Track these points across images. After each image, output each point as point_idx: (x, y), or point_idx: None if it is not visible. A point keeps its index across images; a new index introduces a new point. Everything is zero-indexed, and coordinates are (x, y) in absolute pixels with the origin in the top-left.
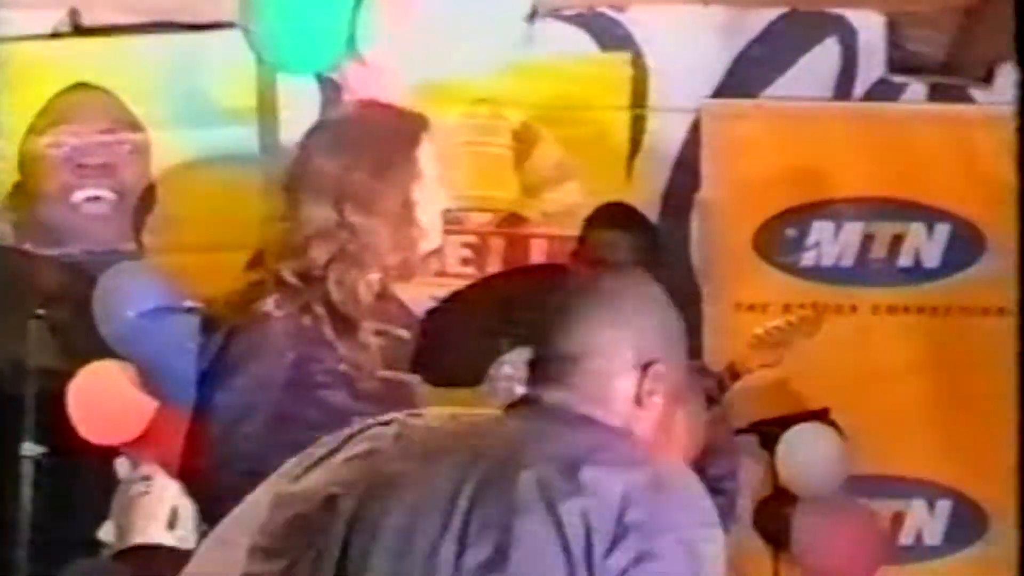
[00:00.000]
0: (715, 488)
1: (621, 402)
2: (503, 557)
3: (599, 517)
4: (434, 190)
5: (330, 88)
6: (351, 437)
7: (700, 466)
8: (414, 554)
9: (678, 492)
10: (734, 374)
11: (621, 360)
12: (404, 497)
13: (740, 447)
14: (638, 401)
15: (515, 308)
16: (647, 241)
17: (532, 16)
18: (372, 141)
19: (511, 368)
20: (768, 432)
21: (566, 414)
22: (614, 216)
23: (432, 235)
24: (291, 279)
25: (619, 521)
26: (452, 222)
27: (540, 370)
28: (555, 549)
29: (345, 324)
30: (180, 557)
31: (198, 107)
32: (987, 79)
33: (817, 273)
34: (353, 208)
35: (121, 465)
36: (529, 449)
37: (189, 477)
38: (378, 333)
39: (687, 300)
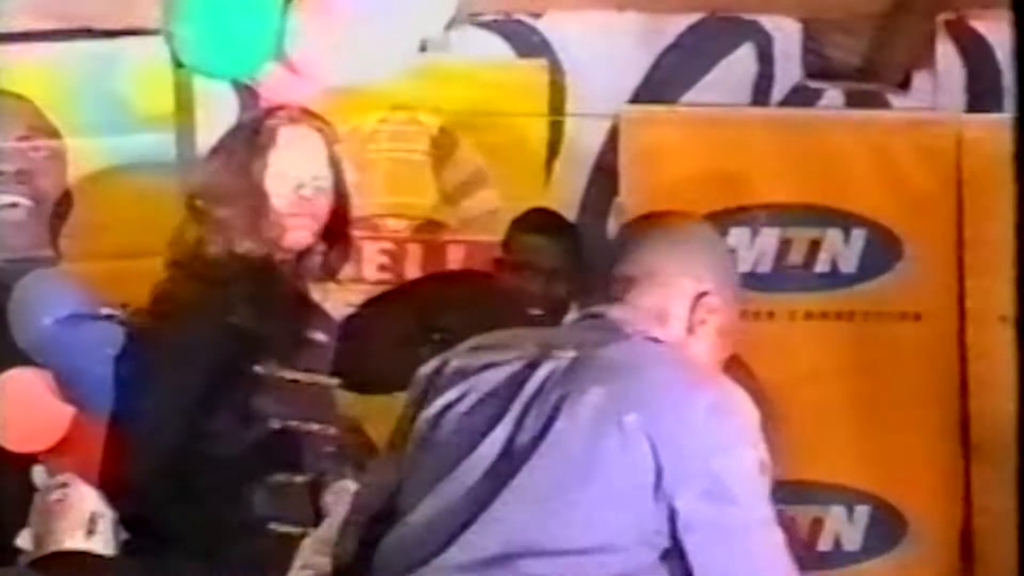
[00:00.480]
0: None
1: (675, 327)
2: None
3: (660, 430)
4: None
5: (246, 93)
6: None
7: None
8: (471, 431)
9: (737, 410)
10: None
11: (678, 286)
12: (471, 380)
13: None
14: (690, 329)
15: (434, 314)
16: (570, 245)
17: (449, 22)
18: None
19: None
20: None
21: (630, 329)
22: (537, 221)
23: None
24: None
25: (683, 437)
26: (369, 228)
27: (603, 290)
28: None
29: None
30: (99, 564)
31: (115, 114)
32: (904, 85)
33: None
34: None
35: (38, 473)
36: (598, 354)
37: (109, 485)
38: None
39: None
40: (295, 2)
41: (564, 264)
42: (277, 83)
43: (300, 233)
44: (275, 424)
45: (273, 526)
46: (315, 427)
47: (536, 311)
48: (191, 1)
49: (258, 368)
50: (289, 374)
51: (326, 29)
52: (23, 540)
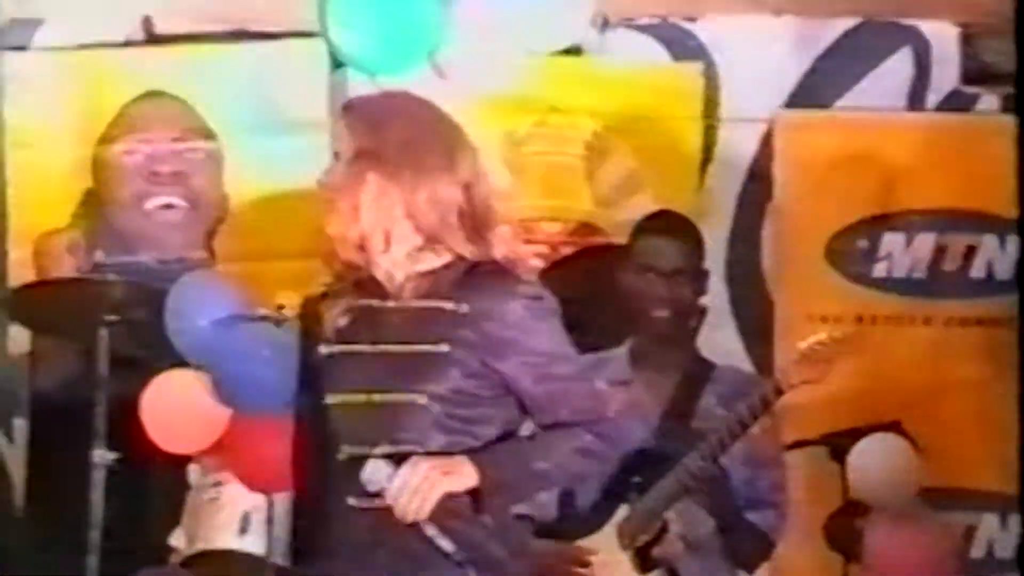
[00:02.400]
0: (765, 501)
1: None
2: None
3: None
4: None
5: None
6: None
7: (749, 478)
8: None
9: None
10: (778, 389)
11: None
12: None
13: (786, 460)
14: None
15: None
16: (693, 247)
17: (604, 25)
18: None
19: None
20: (838, 443)
21: None
22: (660, 223)
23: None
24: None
25: None
26: (523, 231)
27: None
28: None
29: None
30: (250, 562)
31: (270, 116)
32: None
33: (889, 284)
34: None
35: (193, 472)
36: None
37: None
38: None
39: (759, 310)
40: (447, 7)
41: (687, 266)
42: (425, 86)
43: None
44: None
45: None
46: None
47: (660, 313)
48: (351, 5)
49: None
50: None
51: (473, 33)
52: (176, 539)
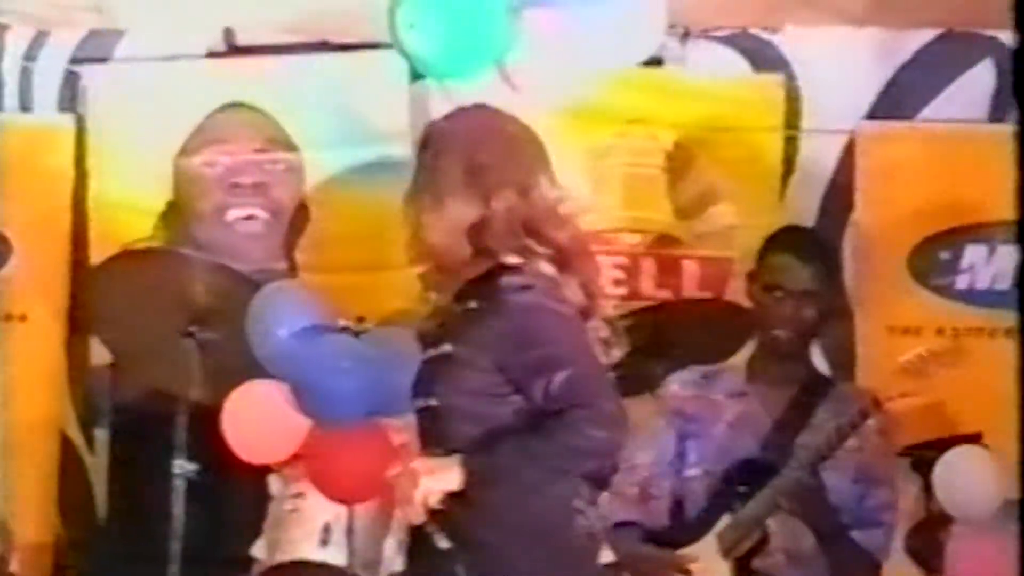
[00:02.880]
0: (873, 520)
1: None
2: None
3: None
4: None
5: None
6: None
7: (858, 496)
8: None
9: None
10: (875, 402)
11: None
12: None
13: (898, 478)
14: None
15: (671, 335)
16: (823, 267)
17: (685, 37)
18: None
19: (679, 387)
20: (921, 456)
21: None
22: (789, 240)
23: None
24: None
25: None
26: (603, 243)
27: None
28: None
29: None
30: (332, 573)
31: (351, 127)
32: None
33: (971, 296)
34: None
35: (274, 483)
36: None
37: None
38: None
39: (841, 322)
40: (518, 17)
41: (816, 287)
42: (495, 96)
43: None
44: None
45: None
46: None
47: (781, 332)
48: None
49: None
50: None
51: (548, 43)
52: (258, 549)
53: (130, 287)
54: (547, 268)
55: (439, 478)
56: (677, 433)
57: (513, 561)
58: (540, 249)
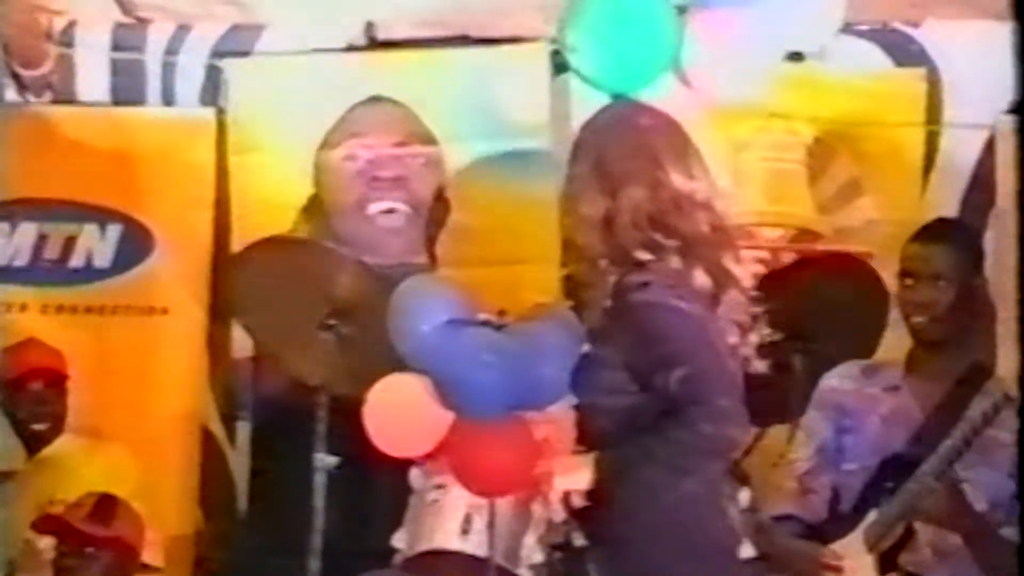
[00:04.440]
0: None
1: None
2: None
3: None
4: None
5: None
6: None
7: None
8: None
9: None
10: (1007, 396)
11: None
12: None
13: None
14: None
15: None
16: (960, 254)
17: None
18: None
19: (837, 381)
20: None
21: None
22: (931, 231)
23: None
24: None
25: None
26: (744, 237)
27: None
28: None
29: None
30: (472, 563)
31: (491, 121)
32: None
33: None
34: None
35: (415, 475)
36: None
37: None
38: None
39: (985, 317)
40: (688, 17)
41: (948, 271)
42: (673, 97)
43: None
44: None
45: None
46: None
47: (918, 319)
48: (589, 12)
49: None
50: None
51: (719, 44)
52: (398, 540)
53: (272, 275)
54: (675, 262)
55: (572, 477)
56: (835, 427)
57: (647, 559)
58: (668, 242)
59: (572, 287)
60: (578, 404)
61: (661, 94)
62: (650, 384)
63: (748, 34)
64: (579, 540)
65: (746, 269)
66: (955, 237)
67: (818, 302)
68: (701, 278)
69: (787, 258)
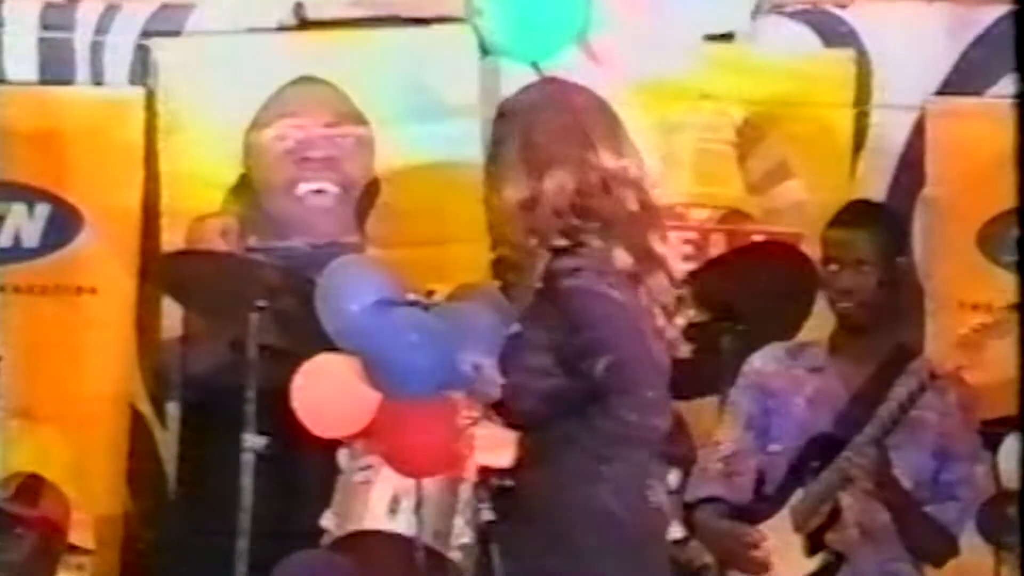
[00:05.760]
0: (949, 495)
1: None
2: None
3: None
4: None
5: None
6: None
7: (935, 470)
8: None
9: None
10: (932, 374)
11: None
12: None
13: (979, 453)
14: None
15: (739, 299)
16: (882, 237)
17: (755, 12)
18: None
19: (761, 363)
20: (990, 432)
21: None
22: (849, 214)
23: None
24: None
25: None
26: (673, 218)
27: None
28: None
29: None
30: (400, 543)
31: (421, 101)
32: None
33: None
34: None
35: (343, 456)
36: None
37: None
38: None
39: (910, 298)
40: None
41: (871, 256)
42: (578, 71)
43: None
44: None
45: None
46: None
47: (844, 304)
48: None
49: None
50: None
51: (629, 18)
52: (327, 520)
53: (194, 287)
54: (596, 242)
55: (494, 454)
56: (760, 409)
57: (556, 540)
58: (588, 225)
59: (501, 269)
60: (504, 384)
61: (573, 67)
62: (576, 369)
63: (664, 10)
64: (487, 515)
65: (673, 250)
66: (877, 220)
67: (747, 283)
68: (623, 258)
69: (716, 239)
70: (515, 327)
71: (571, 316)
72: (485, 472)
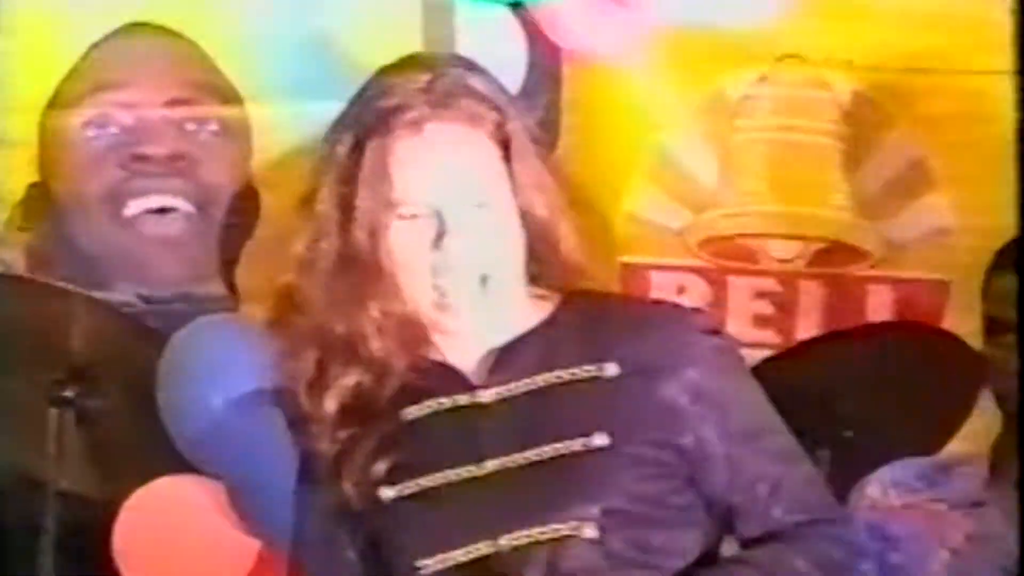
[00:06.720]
0: None
1: None
2: None
3: None
4: None
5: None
6: None
7: None
8: None
9: None
10: None
11: None
12: None
13: None
14: None
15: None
16: None
17: None
18: None
19: (880, 490)
20: None
21: None
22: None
23: None
24: None
25: None
26: (738, 257)
27: None
28: None
29: None
30: None
31: (328, 63)
32: None
33: None
34: None
35: None
36: None
37: None
38: None
39: None
40: None
41: None
42: (581, 12)
43: None
44: None
45: None
46: None
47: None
48: None
49: None
50: None
51: None
52: None
53: None
54: None
55: None
56: (877, 565)
57: None
58: None
59: None
60: None
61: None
62: None
63: None
64: None
65: (739, 308)
66: None
67: (855, 372)
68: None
69: (807, 288)
70: None
71: None
72: None
